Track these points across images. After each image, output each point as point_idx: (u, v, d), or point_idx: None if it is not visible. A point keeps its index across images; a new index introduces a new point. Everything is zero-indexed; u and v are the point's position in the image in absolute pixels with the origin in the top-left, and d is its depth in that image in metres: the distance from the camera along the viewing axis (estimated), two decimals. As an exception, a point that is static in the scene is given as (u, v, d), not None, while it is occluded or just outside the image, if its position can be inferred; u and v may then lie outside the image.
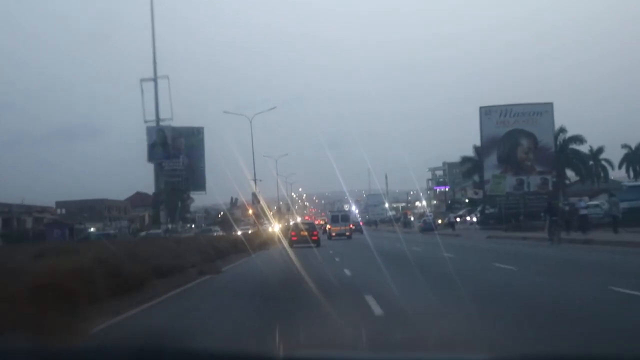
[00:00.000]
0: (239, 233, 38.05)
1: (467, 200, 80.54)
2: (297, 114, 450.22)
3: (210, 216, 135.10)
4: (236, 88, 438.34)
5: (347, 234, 51.81)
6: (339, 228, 52.81)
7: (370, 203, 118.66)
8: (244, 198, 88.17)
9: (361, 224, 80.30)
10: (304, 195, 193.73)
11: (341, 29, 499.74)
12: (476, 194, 52.22)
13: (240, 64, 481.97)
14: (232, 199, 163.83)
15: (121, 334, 8.51)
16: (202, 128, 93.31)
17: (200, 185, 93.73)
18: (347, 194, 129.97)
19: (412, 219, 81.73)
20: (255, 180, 55.88)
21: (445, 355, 4.50)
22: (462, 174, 69.46)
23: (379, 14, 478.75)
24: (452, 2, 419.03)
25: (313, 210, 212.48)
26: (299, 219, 76.52)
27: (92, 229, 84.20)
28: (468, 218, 51.15)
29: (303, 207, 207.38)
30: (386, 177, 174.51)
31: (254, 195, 55.12)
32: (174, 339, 6.75)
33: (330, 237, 51.76)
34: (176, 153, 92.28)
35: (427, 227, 56.53)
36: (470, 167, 65.94)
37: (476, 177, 64.53)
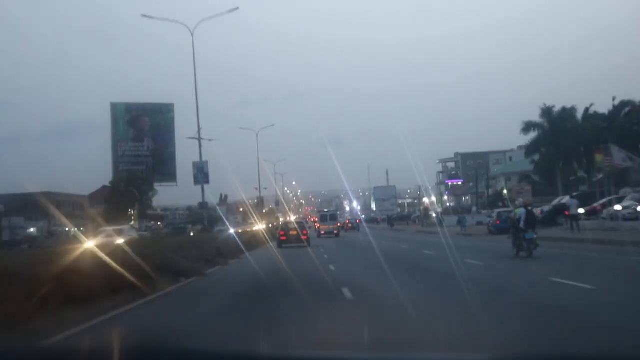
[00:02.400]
0: (93, 244, 15.00)
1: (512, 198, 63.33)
2: (295, 113, 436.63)
3: (194, 215, 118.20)
4: (235, 85, 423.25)
5: (335, 232, 53.87)
6: (327, 227, 55.22)
7: (378, 197, 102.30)
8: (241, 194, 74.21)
9: (357, 221, 79.42)
10: (299, 191, 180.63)
11: (342, 28, 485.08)
12: (631, 159, 32.35)
13: (239, 62, 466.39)
14: (221, 195, 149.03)
15: None
16: (172, 105, 76.26)
17: (169, 175, 77.12)
18: (349, 190, 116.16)
19: (433, 214, 65.43)
20: (199, 139, 39.45)
21: (445, 355, 4.59)
22: (526, 149, 51.42)
23: (381, 12, 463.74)
24: (453, 1, 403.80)
25: (309, 209, 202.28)
26: (293, 218, 68.59)
27: (31, 230, 68.32)
28: (617, 207, 28.58)
29: (299, 205, 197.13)
30: (387, 172, 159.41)
31: (198, 169, 38.98)
32: (173, 339, 6.75)
33: (319, 235, 53.41)
34: (140, 135, 76.27)
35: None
36: (539, 136, 47.97)
37: (536, 157, 48.42)
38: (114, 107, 68.68)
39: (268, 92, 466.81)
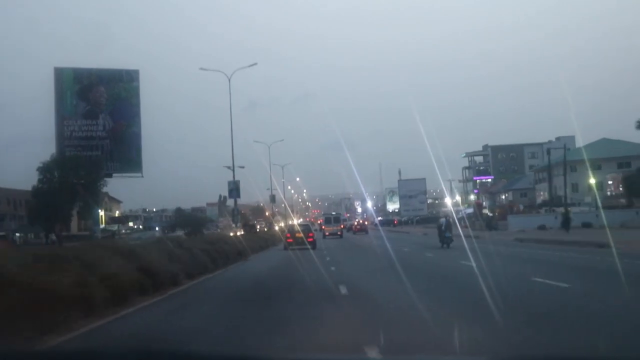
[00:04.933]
0: None
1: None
2: (304, 115, 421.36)
3: (181, 217, 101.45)
4: (245, 86, 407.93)
5: (339, 233, 57.14)
6: (331, 228, 57.95)
7: (403, 193, 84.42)
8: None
9: (366, 223, 78.48)
10: (304, 190, 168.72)
11: (353, 29, 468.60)
12: None
13: (248, 62, 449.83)
14: (220, 196, 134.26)
15: None
16: (137, 71, 60.32)
17: (133, 163, 60.21)
18: (363, 189, 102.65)
19: (489, 213, 48.70)
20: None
21: (445, 356, 5.12)
22: None
23: (392, 12, 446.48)
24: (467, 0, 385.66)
25: (315, 212, 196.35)
26: (296, 221, 60.17)
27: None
28: None
29: (305, 208, 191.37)
30: (399, 172, 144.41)
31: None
32: (172, 341, 7.04)
33: (324, 235, 55.12)
34: (93, 110, 59.99)
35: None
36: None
37: None
38: (59, 73, 52.53)
39: (277, 94, 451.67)
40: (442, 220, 31.79)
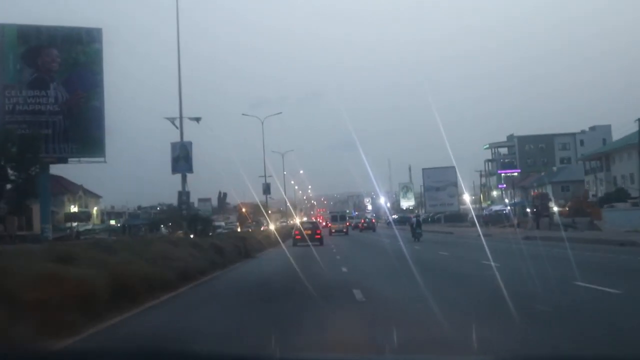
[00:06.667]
0: None
1: None
2: (311, 114, 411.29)
3: (173, 213, 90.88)
4: (252, 87, 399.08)
5: (344, 230, 58.89)
6: (337, 226, 60.22)
7: (429, 184, 72.50)
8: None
9: (373, 220, 77.01)
10: (310, 187, 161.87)
11: (360, 28, 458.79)
12: None
13: (256, 64, 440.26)
14: (219, 193, 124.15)
15: None
16: (100, 30, 48.97)
17: (93, 144, 48.08)
18: (376, 185, 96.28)
19: (555, 208, 37.55)
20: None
21: (446, 356, 4.89)
22: None
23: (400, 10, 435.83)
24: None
25: (321, 211, 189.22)
26: (298, 220, 60.04)
27: None
28: None
29: (310, 207, 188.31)
30: (410, 168, 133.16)
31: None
32: (174, 340, 6.73)
33: (330, 233, 56.26)
34: (42, 78, 48.41)
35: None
36: None
37: None
38: (0, 30, 41.99)
39: (285, 92, 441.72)
40: (414, 219, 39.26)
